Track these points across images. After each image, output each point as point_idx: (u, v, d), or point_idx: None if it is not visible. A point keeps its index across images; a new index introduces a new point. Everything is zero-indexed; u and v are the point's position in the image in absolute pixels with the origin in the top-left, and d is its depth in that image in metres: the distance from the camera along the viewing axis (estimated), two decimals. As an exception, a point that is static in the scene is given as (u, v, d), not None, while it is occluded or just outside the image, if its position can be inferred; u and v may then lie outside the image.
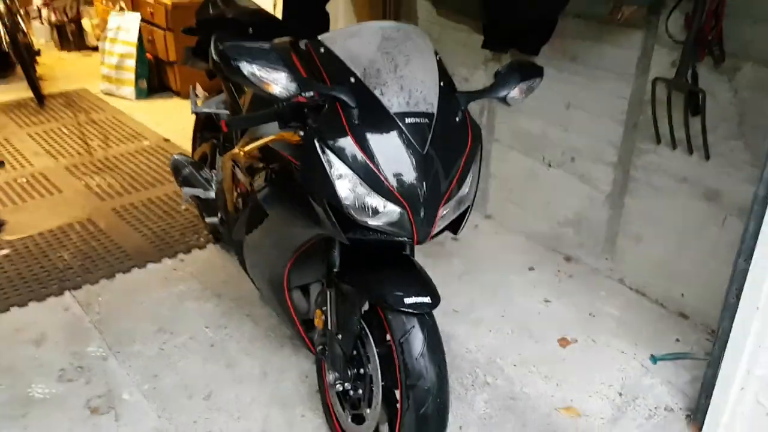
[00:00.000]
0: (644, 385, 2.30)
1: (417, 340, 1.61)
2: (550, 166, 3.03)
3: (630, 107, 2.64)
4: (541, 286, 2.84)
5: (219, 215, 2.53)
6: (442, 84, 1.67)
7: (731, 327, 1.95)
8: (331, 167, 1.54)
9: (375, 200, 1.54)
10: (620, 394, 2.26)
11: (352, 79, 1.60)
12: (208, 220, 2.56)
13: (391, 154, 1.55)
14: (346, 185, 1.54)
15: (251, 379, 2.29)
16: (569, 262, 3.03)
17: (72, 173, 3.80)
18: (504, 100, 1.76)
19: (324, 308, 1.86)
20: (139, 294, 2.73)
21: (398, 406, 1.75)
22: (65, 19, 6.09)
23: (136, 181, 3.71)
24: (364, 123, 1.55)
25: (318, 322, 1.88)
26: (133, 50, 4.92)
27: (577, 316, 2.65)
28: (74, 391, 2.23)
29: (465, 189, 1.66)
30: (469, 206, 1.71)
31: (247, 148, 1.70)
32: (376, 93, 1.58)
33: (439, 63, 1.71)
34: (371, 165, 1.53)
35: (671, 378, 2.33)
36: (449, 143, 1.63)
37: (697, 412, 2.15)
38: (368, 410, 1.79)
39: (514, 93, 1.75)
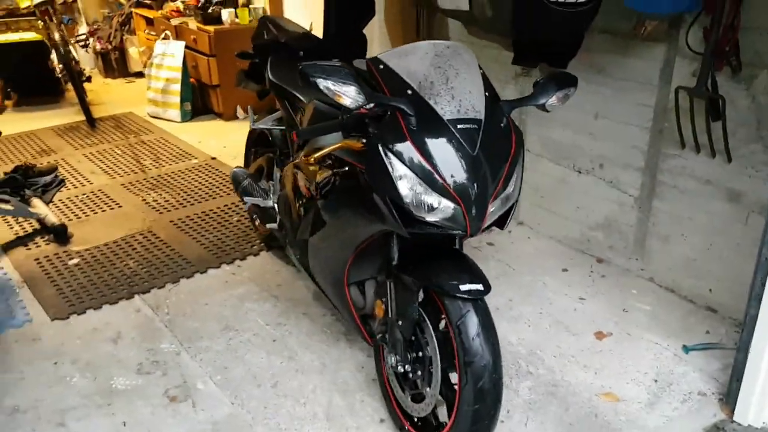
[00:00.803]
0: (678, 372, 2.47)
1: (472, 323, 1.82)
2: (579, 172, 3.22)
3: (655, 115, 2.84)
4: (575, 285, 3.02)
5: (278, 221, 2.75)
6: (487, 94, 1.89)
7: (758, 314, 2.11)
8: (393, 169, 1.75)
9: (432, 197, 1.75)
10: (655, 381, 2.43)
11: (409, 91, 1.82)
12: (268, 226, 2.78)
13: (446, 156, 1.76)
14: (406, 184, 1.75)
15: (312, 370, 2.50)
16: (601, 263, 3.20)
17: (129, 190, 4.07)
18: (543, 107, 1.97)
19: (384, 298, 2.07)
20: (203, 296, 2.96)
21: (455, 385, 1.95)
22: (109, 47, 6.44)
23: (189, 196, 3.96)
24: (421, 129, 1.77)
25: (378, 312, 2.09)
26: (178, 75, 5.22)
27: (611, 312, 2.82)
28: (153, 382, 2.45)
29: (510, 188, 1.87)
30: (514, 203, 1.92)
31: (315, 156, 1.92)
32: (431, 102, 1.80)
33: (483, 76, 1.93)
34: (428, 166, 1.75)
35: (703, 366, 2.50)
36: (496, 146, 1.85)
37: (729, 396, 2.31)
38: (428, 389, 1.98)
39: (552, 100, 1.96)
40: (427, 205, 1.76)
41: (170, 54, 5.25)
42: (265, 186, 2.92)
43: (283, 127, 2.81)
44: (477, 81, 1.90)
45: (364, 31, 3.70)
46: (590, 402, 2.34)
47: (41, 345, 2.65)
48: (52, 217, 3.54)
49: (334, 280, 2.23)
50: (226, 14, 5.13)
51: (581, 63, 3.03)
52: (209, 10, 5.17)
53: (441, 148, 1.77)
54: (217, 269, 3.18)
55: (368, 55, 3.69)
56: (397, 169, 1.76)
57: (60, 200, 3.92)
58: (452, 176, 1.75)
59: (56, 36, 5.24)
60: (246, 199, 2.86)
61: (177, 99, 5.27)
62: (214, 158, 4.56)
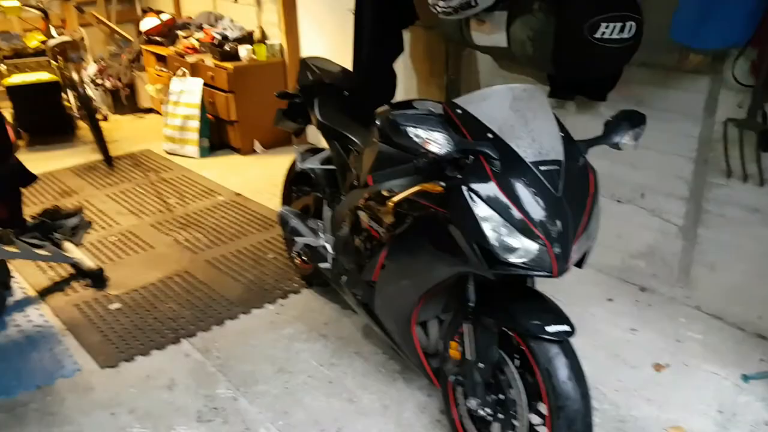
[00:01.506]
0: (740, 402, 2.47)
1: (562, 365, 1.81)
2: (619, 201, 3.24)
3: (699, 145, 2.87)
4: (623, 315, 3.02)
5: (331, 261, 2.74)
6: (562, 134, 1.92)
7: (828, 342, 2.12)
8: (478, 211, 1.76)
9: (519, 239, 1.76)
10: (720, 412, 2.43)
11: (490, 135, 1.84)
12: (321, 266, 2.77)
13: (530, 198, 1.78)
14: (491, 226, 1.76)
15: (374, 412, 2.47)
16: (644, 292, 3.22)
17: (158, 229, 4.04)
18: (617, 146, 2.00)
19: (459, 340, 2.06)
20: (251, 338, 2.93)
21: (537, 426, 1.94)
22: (120, 84, 6.43)
23: (221, 234, 3.95)
24: (505, 172, 1.79)
25: (454, 354, 2.08)
26: (197, 112, 5.22)
27: (665, 342, 2.83)
28: (215, 430, 2.42)
29: (592, 226, 1.88)
30: (593, 243, 1.93)
31: (395, 199, 1.92)
32: (513, 146, 1.82)
33: (556, 116, 1.95)
34: (514, 208, 1.76)
35: (765, 395, 2.50)
36: (576, 187, 1.87)
37: (796, 425, 2.31)
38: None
39: (626, 139, 1.98)
40: (514, 247, 1.76)
41: (188, 91, 5.26)
42: (313, 225, 2.91)
43: (333, 167, 2.81)
44: (553, 122, 1.92)
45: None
46: (660, 436, 2.33)
47: (95, 395, 2.61)
48: (87, 260, 3.50)
49: (402, 320, 2.22)
50: (244, 51, 5.15)
51: (620, 95, 3.07)
52: (226, 47, 5.19)
53: (526, 190, 1.78)
54: (260, 309, 3.16)
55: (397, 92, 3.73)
56: (483, 211, 1.76)
57: (89, 243, 3.88)
58: (538, 218, 1.76)
59: (73, 76, 5.23)
60: (298, 239, 2.86)
61: (195, 135, 5.27)
62: (238, 194, 4.55)
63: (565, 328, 1.84)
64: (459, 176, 1.81)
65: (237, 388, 2.62)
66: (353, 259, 2.47)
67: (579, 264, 1.94)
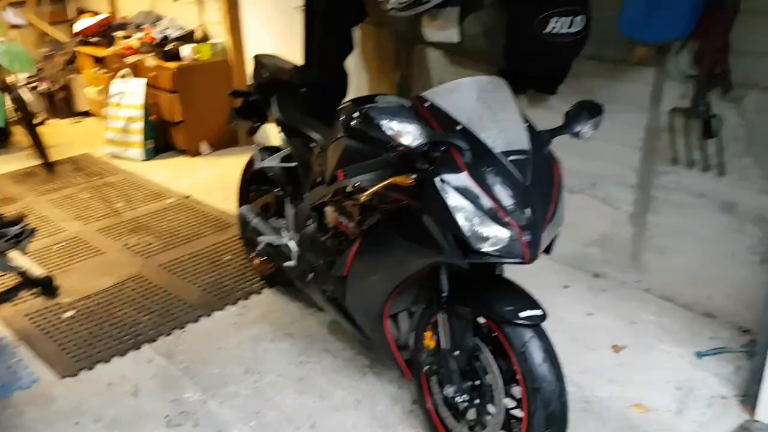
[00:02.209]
0: (696, 378, 2.59)
1: (537, 349, 1.87)
2: (571, 192, 3.34)
3: (646, 134, 2.99)
4: (579, 301, 3.12)
5: (296, 259, 2.72)
6: (527, 125, 1.97)
7: (775, 317, 2.26)
8: (451, 201, 1.79)
9: (491, 228, 1.80)
10: (678, 389, 2.54)
11: (459, 127, 1.88)
12: (286, 264, 2.75)
13: (501, 187, 1.82)
14: (465, 216, 1.79)
15: (347, 406, 2.48)
16: (597, 278, 3.33)
17: (107, 235, 3.93)
18: (577, 135, 2.07)
19: (435, 330, 2.09)
20: (215, 340, 2.89)
21: (513, 409, 1.99)
22: (54, 87, 6.20)
23: (173, 237, 3.87)
24: (475, 163, 1.83)
25: (429, 343, 2.11)
26: (140, 113, 5.09)
27: (621, 325, 2.94)
28: (186, 433, 2.38)
29: (559, 213, 1.95)
30: (559, 228, 1.99)
31: (367, 193, 1.93)
32: (481, 137, 1.86)
33: (519, 108, 2.01)
34: (486, 197, 1.80)
35: (717, 370, 2.63)
36: (543, 175, 1.92)
37: (748, 397, 2.44)
38: (490, 417, 2.01)
39: (586, 129, 2.05)
40: (486, 236, 1.80)
41: (129, 92, 5.12)
42: (275, 224, 2.89)
43: (293, 165, 2.80)
44: (517, 113, 1.98)
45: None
46: (624, 415, 2.42)
47: (57, 405, 2.52)
48: (35, 269, 3.37)
49: (375, 313, 2.24)
50: (187, 50, 5.05)
51: (569, 88, 3.16)
52: (168, 47, 5.08)
53: (496, 180, 1.82)
54: (222, 311, 3.12)
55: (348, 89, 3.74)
56: (456, 201, 1.80)
57: (35, 250, 3.73)
58: (509, 206, 1.81)
59: (8, 79, 5.02)
60: (260, 238, 2.83)
61: (138, 137, 5.14)
62: (188, 197, 4.46)
63: (538, 312, 1.89)
64: (430, 168, 1.83)
65: (205, 391, 2.58)
66: (322, 256, 2.47)
67: (547, 250, 2.00)
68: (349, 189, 2.15)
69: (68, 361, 2.77)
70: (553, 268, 3.41)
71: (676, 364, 2.68)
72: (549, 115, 2.21)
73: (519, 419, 2.00)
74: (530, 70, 3.07)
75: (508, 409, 2.02)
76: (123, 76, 5.20)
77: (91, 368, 2.73)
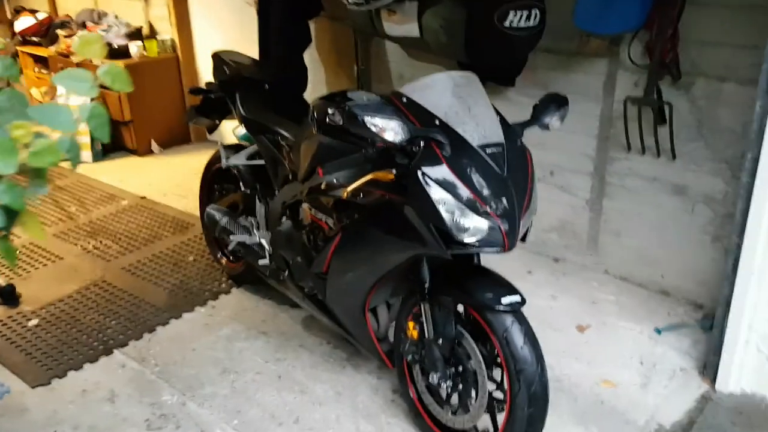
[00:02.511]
0: (657, 353, 2.73)
1: (518, 332, 1.95)
2: (530, 180, 3.45)
3: (601, 123, 3.12)
4: (543, 285, 3.24)
5: (268, 257, 2.73)
6: (499, 118, 2.04)
7: (732, 293, 2.40)
8: (433, 194, 1.85)
9: (472, 219, 1.86)
10: (641, 363, 2.68)
11: (437, 122, 1.93)
12: (260, 262, 2.75)
13: (480, 179, 1.89)
14: (446, 209, 1.85)
15: (329, 400, 2.52)
16: (557, 262, 3.46)
17: (64, 239, 3.84)
18: (546, 126, 2.15)
19: (417, 320, 2.15)
20: (188, 342, 2.88)
21: (493, 392, 2.07)
22: (-8, 88, 5.97)
23: (132, 240, 3.80)
24: (455, 156, 1.89)
25: (413, 333, 2.16)
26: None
27: (583, 306, 3.06)
28: (168, 436, 2.37)
29: (534, 202, 2.03)
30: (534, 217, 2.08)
31: (350, 189, 1.96)
32: (459, 131, 1.92)
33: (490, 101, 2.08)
34: (466, 189, 1.86)
35: (676, 344, 2.78)
36: (518, 166, 2.00)
37: (706, 369, 2.59)
38: (474, 400, 2.08)
39: (554, 120, 2.14)
40: (468, 227, 1.86)
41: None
42: (245, 223, 2.89)
43: (261, 162, 2.81)
44: (490, 107, 2.05)
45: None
46: (593, 391, 2.54)
47: (31, 415, 2.47)
48: (-7, 278, 3.28)
49: (356, 307, 2.28)
50: (135, 48, 4.96)
51: (526, 80, 3.27)
52: (115, 46, 4.96)
53: (476, 172, 1.89)
54: (191, 312, 3.10)
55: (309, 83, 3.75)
56: (438, 194, 1.85)
57: (-12, 259, 3.63)
58: (489, 197, 1.88)
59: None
60: (232, 237, 2.83)
61: (86, 138, 5.01)
62: (143, 197, 4.39)
63: (517, 298, 1.97)
64: (411, 163, 1.88)
65: (183, 393, 2.57)
66: (299, 253, 2.49)
67: (523, 238, 2.07)
68: (323, 186, 2.20)
69: (38, 370, 2.71)
70: (516, 255, 3.43)
71: (638, 340, 2.82)
72: (508, 107, 2.28)
73: (500, 401, 2.09)
74: (489, 63, 3.15)
75: (489, 392, 2.10)
76: (68, 76, 5.04)
77: (62, 376, 2.68)
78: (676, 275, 3.09)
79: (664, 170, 2.98)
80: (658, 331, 2.85)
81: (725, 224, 2.83)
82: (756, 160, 2.21)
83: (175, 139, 5.25)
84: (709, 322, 2.79)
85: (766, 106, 2.15)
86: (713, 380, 2.54)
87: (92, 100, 0.89)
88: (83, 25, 5.42)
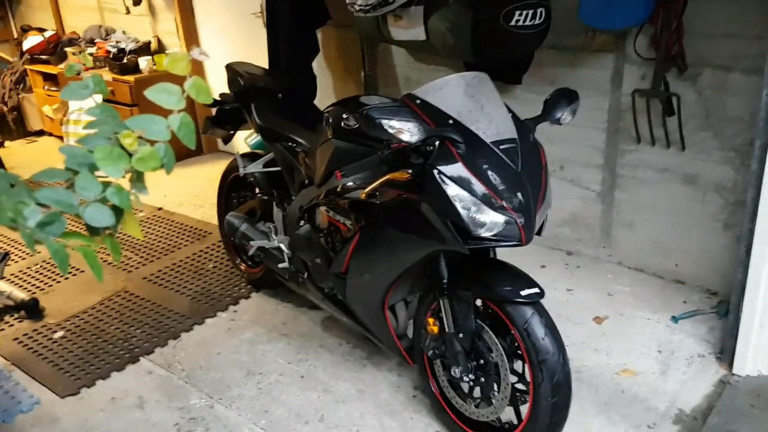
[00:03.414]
0: (675, 340, 2.77)
1: (538, 324, 1.99)
2: (541, 176, 3.49)
3: (609, 117, 3.16)
4: (558, 279, 3.28)
5: (288, 260, 2.79)
6: (511, 115, 2.09)
7: (746, 278, 2.43)
8: (449, 191, 1.90)
9: (489, 214, 1.91)
10: (660, 352, 2.71)
11: (451, 121, 1.98)
12: (280, 266, 2.81)
13: (495, 175, 1.94)
14: (462, 204, 1.90)
15: (352, 398, 2.57)
16: (571, 255, 3.50)
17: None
18: (558, 121, 2.19)
19: (437, 315, 2.19)
20: (212, 346, 2.93)
21: (515, 384, 2.11)
22: (5, 108, 6.07)
23: (152, 250, 3.87)
24: (470, 154, 1.94)
25: (433, 329, 2.20)
26: (100, 128, 5.04)
27: (599, 298, 3.10)
28: (197, 439, 2.43)
29: (548, 195, 2.07)
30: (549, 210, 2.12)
31: (367, 190, 2.01)
32: (473, 129, 1.97)
33: (502, 99, 2.13)
34: (482, 185, 1.91)
35: (693, 331, 2.81)
36: (531, 161, 2.05)
37: (724, 353, 2.62)
38: (497, 393, 2.12)
39: (566, 115, 2.18)
40: (484, 222, 1.91)
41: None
42: (264, 228, 2.95)
43: (277, 169, 2.86)
44: (502, 105, 2.10)
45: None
46: (613, 380, 2.57)
47: (63, 424, 2.53)
48: (18, 292, 3.34)
49: (376, 305, 2.33)
50: (144, 62, 5.04)
51: (533, 77, 3.32)
52: (125, 60, 5.05)
53: (490, 168, 1.94)
54: (213, 318, 3.16)
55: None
56: (454, 191, 1.90)
57: (12, 275, 3.70)
58: (504, 192, 1.92)
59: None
60: (252, 243, 2.89)
61: (100, 153, 5.08)
62: (160, 209, 4.46)
63: (536, 290, 2.02)
64: (427, 162, 1.93)
65: (210, 396, 2.63)
66: (318, 255, 2.54)
67: (539, 232, 2.12)
68: (341, 188, 2.25)
69: (67, 381, 2.77)
70: (530, 250, 3.47)
71: (655, 329, 2.85)
72: (516, 105, 2.32)
73: (522, 392, 2.13)
74: (496, 63, 3.20)
75: (512, 384, 2.14)
76: (80, 92, 5.12)
77: (91, 385, 2.74)
78: (689, 264, 3.12)
79: (674, 160, 3.02)
80: (675, 320, 2.89)
81: (736, 211, 2.86)
82: (765, 148, 2.25)
83: (187, 151, 5.32)
84: (724, 308, 2.83)
85: (772, 93, 2.19)
86: (730, 364, 2.57)
87: (179, 111, 0.98)
88: (92, 42, 5.51)
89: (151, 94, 1.00)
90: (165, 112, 1.04)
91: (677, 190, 3.05)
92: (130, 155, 0.99)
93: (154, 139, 1.00)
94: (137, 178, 1.02)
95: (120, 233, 1.12)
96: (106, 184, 0.99)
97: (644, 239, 3.24)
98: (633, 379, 2.57)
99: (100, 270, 1.08)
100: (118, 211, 1.02)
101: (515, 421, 2.17)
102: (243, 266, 3.38)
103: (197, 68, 5.17)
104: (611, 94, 3.11)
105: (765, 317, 2.46)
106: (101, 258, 1.11)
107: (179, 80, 1.03)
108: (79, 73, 1.18)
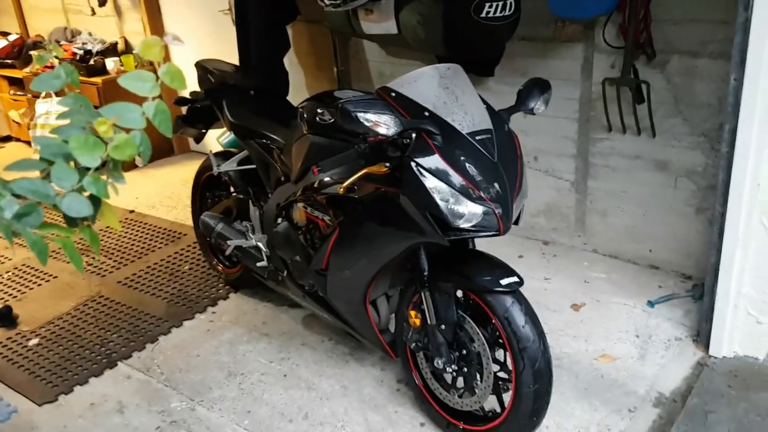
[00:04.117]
0: (651, 325, 2.81)
1: (518, 312, 2.01)
2: (515, 167, 3.52)
3: (581, 106, 3.19)
4: (535, 268, 3.30)
5: (266, 258, 2.77)
6: (486, 106, 2.10)
7: (719, 260, 2.47)
8: (428, 183, 1.90)
9: (467, 205, 1.92)
10: (637, 336, 2.75)
11: (426, 113, 1.98)
12: (258, 265, 2.79)
13: (473, 165, 1.94)
14: (441, 196, 1.90)
15: (335, 394, 2.56)
16: (547, 245, 3.53)
17: (56, 258, 3.82)
18: (531, 111, 2.21)
19: (418, 308, 2.20)
20: (191, 349, 2.90)
21: (498, 372, 2.13)
22: (-32, 113, 5.94)
23: (126, 253, 3.82)
24: (446, 145, 1.94)
25: (415, 322, 2.21)
26: (68, 132, 4.96)
27: (576, 285, 3.13)
28: (180, 441, 2.40)
29: (525, 185, 2.09)
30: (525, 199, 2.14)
31: (345, 185, 2.01)
32: (449, 120, 1.98)
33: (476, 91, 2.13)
34: (460, 176, 1.92)
35: (669, 315, 2.86)
36: (507, 151, 2.06)
37: (699, 336, 2.67)
38: (480, 382, 2.13)
39: (539, 104, 2.19)
40: (463, 213, 1.91)
41: (55, 112, 4.98)
42: (240, 227, 2.92)
43: (252, 167, 2.84)
44: (476, 96, 2.11)
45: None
46: (593, 366, 2.60)
47: (42, 432, 2.49)
48: (-11, 300, 3.28)
49: (357, 300, 2.32)
50: (111, 64, 4.97)
51: (505, 69, 3.34)
52: (91, 62, 4.96)
53: (467, 159, 1.94)
54: (192, 320, 3.12)
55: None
56: (432, 182, 1.90)
57: (-18, 283, 3.63)
58: (482, 183, 1.93)
59: None
60: (230, 242, 2.86)
61: (69, 157, 5.00)
62: (132, 211, 4.40)
63: (516, 279, 2.03)
64: (404, 155, 1.93)
65: (191, 399, 2.60)
66: (298, 252, 2.53)
67: (516, 221, 2.13)
68: (318, 184, 2.24)
69: (43, 388, 2.72)
70: (506, 240, 3.51)
71: (631, 314, 2.89)
72: (489, 96, 2.32)
73: (504, 380, 2.14)
74: (468, 55, 3.21)
75: (494, 373, 2.15)
76: (46, 96, 5.04)
77: (69, 392, 2.70)
78: (663, 249, 3.17)
79: (645, 147, 3.06)
80: (651, 304, 2.93)
81: (707, 196, 2.91)
82: (734, 131, 2.28)
83: (158, 152, 5.25)
84: (698, 292, 2.88)
85: (740, 78, 2.22)
86: (707, 346, 2.61)
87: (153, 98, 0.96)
88: (57, 44, 5.39)
89: (125, 81, 0.98)
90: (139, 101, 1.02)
91: (649, 177, 3.09)
92: (106, 144, 0.97)
93: (129, 127, 0.98)
94: (114, 167, 1.00)
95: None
96: (83, 174, 0.97)
97: (618, 226, 3.28)
98: (612, 364, 2.61)
99: (80, 261, 1.06)
100: (95, 202, 1.01)
101: (498, 409, 2.18)
102: (220, 267, 3.35)
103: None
104: (582, 83, 3.14)
105: (739, 299, 2.51)
106: (70, 269, 1.08)
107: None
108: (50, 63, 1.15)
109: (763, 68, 2.16)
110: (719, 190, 2.41)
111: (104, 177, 0.99)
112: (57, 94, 5.03)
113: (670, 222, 3.10)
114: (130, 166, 5.15)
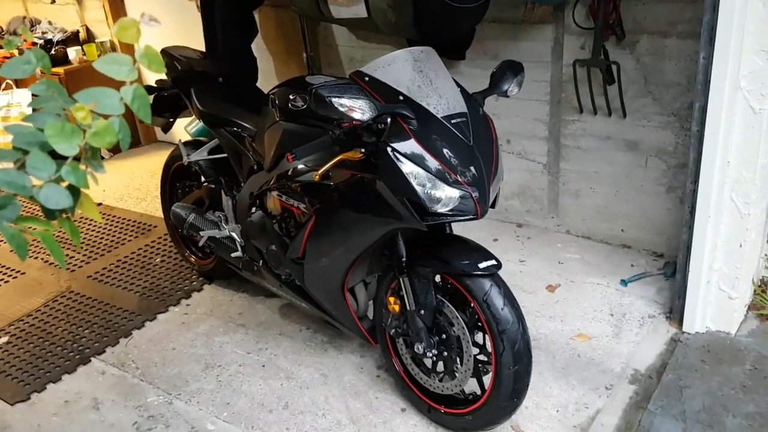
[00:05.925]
0: (625, 303, 2.84)
1: (497, 295, 2.01)
2: (487, 150, 3.52)
3: (552, 88, 3.20)
4: (510, 251, 3.32)
5: (241, 249, 2.73)
6: (460, 89, 2.09)
7: (691, 237, 2.51)
8: (404, 168, 1.89)
9: (444, 189, 1.91)
10: (612, 315, 2.78)
11: (401, 97, 1.96)
12: (233, 255, 2.75)
13: (449, 149, 1.93)
14: (417, 181, 1.89)
15: (315, 383, 2.55)
16: (521, 227, 3.55)
17: (22, 254, 3.74)
18: (505, 93, 2.20)
19: (397, 294, 2.19)
20: (166, 342, 2.86)
21: (478, 355, 2.13)
22: (-77, 107, 5.74)
23: (95, 247, 3.74)
24: (421, 129, 1.92)
25: (394, 308, 2.20)
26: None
27: (550, 267, 3.16)
28: (159, 436, 2.37)
29: (500, 168, 2.08)
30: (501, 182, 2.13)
31: (320, 172, 1.98)
32: (423, 104, 1.96)
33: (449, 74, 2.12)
34: (436, 161, 1.90)
35: (642, 293, 2.90)
36: (482, 134, 2.05)
37: (672, 313, 2.71)
38: (460, 365, 2.14)
39: (512, 87, 2.19)
40: (440, 197, 1.90)
41: (16, 104, 4.84)
42: (213, 217, 2.88)
43: (223, 156, 2.79)
44: (450, 79, 2.09)
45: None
46: (569, 346, 2.63)
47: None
48: (-46, 299, 3.19)
49: (335, 287, 2.31)
50: (74, 53, 4.84)
51: (476, 52, 3.33)
52: (52, 52, 4.83)
53: (443, 143, 1.93)
54: (165, 313, 3.08)
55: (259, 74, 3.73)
56: (408, 167, 1.89)
57: (-55, 281, 3.52)
58: (458, 167, 1.92)
59: None
60: (203, 233, 2.81)
61: (32, 150, 4.87)
62: (99, 204, 4.31)
63: (494, 262, 2.03)
64: (380, 140, 1.91)
65: (168, 393, 2.56)
66: (273, 241, 2.49)
67: (493, 204, 2.13)
68: (292, 172, 2.21)
69: (15, 387, 2.66)
70: (482, 224, 3.51)
71: (605, 293, 2.93)
72: (461, 80, 2.30)
73: (484, 363, 2.15)
74: (439, 38, 3.18)
75: (474, 356, 2.16)
76: (5, 88, 4.89)
77: (41, 390, 2.64)
78: (635, 228, 3.21)
79: (616, 128, 3.08)
80: (624, 283, 2.97)
81: (678, 175, 2.95)
82: (704, 110, 2.31)
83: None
84: (670, 269, 2.92)
85: (709, 57, 2.25)
86: (680, 323, 2.65)
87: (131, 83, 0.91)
88: (15, 34, 5.24)
89: (101, 65, 0.94)
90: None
91: (620, 158, 3.12)
92: (84, 131, 0.93)
93: (107, 114, 0.95)
94: (92, 155, 0.97)
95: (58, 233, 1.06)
96: (60, 163, 0.93)
97: (590, 207, 3.31)
98: (588, 343, 2.64)
99: (61, 255, 1.03)
100: (74, 192, 0.97)
101: (479, 392, 2.19)
102: (193, 258, 3.30)
103: (129, 53, 4.99)
104: (553, 65, 3.15)
105: (711, 275, 2.55)
106: (44, 261, 1.05)
107: (115, 83, 0.96)
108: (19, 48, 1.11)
109: (732, 46, 2.18)
110: (690, 168, 2.44)
111: (83, 166, 0.95)
112: (20, 84, 4.90)
113: (641, 201, 3.13)
114: (96, 157, 5.05)
